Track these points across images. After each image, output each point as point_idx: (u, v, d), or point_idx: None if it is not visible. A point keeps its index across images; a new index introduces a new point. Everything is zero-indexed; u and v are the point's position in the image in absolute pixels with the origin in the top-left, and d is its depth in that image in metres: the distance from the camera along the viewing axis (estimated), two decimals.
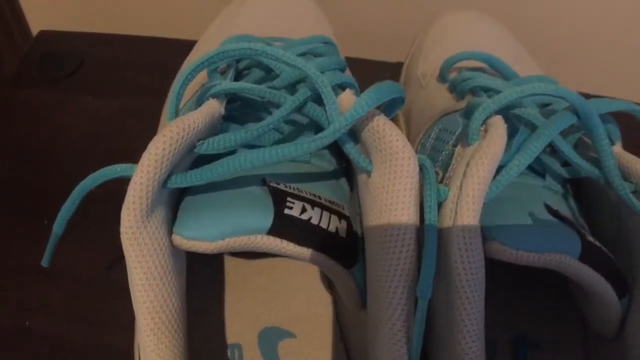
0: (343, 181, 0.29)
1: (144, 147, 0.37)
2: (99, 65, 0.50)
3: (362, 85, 0.32)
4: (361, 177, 0.25)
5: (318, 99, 0.25)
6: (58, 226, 0.26)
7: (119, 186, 0.40)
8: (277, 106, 0.27)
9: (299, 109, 0.25)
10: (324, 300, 0.31)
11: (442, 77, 0.36)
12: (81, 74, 0.49)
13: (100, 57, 0.50)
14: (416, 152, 0.33)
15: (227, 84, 0.26)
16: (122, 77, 0.49)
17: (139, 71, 0.49)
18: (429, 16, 0.45)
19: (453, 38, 0.40)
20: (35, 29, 0.54)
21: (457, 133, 0.29)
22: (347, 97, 0.24)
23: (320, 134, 0.22)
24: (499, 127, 0.24)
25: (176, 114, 0.24)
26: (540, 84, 0.25)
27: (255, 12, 0.39)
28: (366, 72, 0.39)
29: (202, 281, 0.31)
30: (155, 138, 0.22)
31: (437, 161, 0.29)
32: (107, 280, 0.38)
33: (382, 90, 0.22)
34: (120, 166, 0.24)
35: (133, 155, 0.41)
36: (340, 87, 0.27)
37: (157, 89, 0.40)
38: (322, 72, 0.29)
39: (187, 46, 0.42)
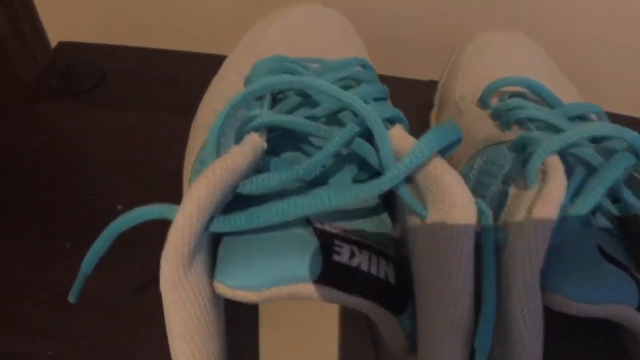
0: (385, 216, 0.28)
1: (170, 164, 0.36)
2: (120, 79, 0.48)
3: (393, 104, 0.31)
4: (412, 220, 0.23)
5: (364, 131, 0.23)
6: (87, 266, 0.25)
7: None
8: (318, 136, 0.26)
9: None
10: (363, 341, 0.30)
11: (483, 103, 0.34)
12: (103, 87, 0.47)
13: (122, 70, 0.49)
14: None
15: (268, 116, 0.25)
16: (146, 91, 0.47)
17: (163, 85, 0.48)
18: (463, 33, 0.44)
19: (492, 59, 0.38)
20: (54, 41, 0.53)
21: (506, 168, 0.28)
22: (398, 134, 0.23)
23: (377, 181, 0.21)
24: (558, 169, 0.23)
25: (218, 153, 0.23)
26: (600, 124, 0.24)
27: (287, 28, 0.38)
28: (398, 91, 0.37)
29: (240, 326, 0.30)
30: (198, 180, 0.20)
31: (484, 196, 0.28)
32: (130, 308, 0.36)
33: (443, 133, 0.21)
34: (159, 207, 0.22)
35: (158, 173, 0.40)
36: (389, 121, 0.26)
37: (183, 103, 0.39)
38: (366, 102, 0.27)
39: (214, 60, 0.40)
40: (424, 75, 0.48)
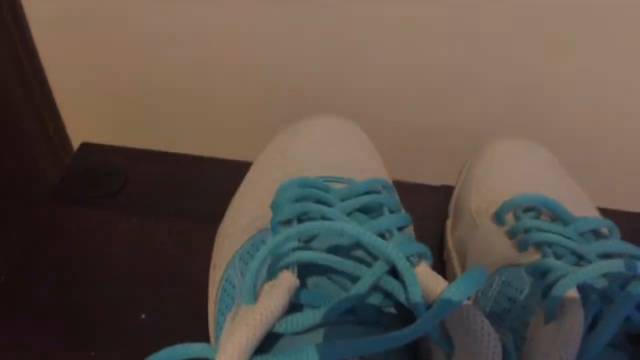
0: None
1: (194, 273, 0.37)
2: (142, 185, 0.49)
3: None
4: (438, 354, 0.24)
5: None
6: None
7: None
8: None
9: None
10: None
11: (498, 219, 0.36)
12: (124, 193, 0.48)
13: (144, 175, 0.50)
14: (474, 300, 0.33)
15: (301, 254, 0.26)
16: (167, 198, 0.49)
17: (186, 192, 0.49)
18: (475, 137, 0.45)
19: (507, 172, 0.39)
20: (76, 142, 0.54)
21: (525, 293, 0.29)
22: (425, 273, 0.24)
23: (409, 330, 0.22)
24: (577, 305, 0.24)
25: (255, 296, 0.24)
26: (621, 262, 0.25)
27: (308, 142, 0.39)
28: (409, 197, 0.39)
29: None
30: (239, 327, 0.22)
31: (502, 319, 0.29)
32: None
33: (472, 281, 0.22)
34: (198, 347, 0.23)
35: (183, 283, 0.41)
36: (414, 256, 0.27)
37: (206, 211, 0.40)
38: (390, 232, 0.29)
39: (238, 166, 0.42)
40: (436, 180, 0.50)
